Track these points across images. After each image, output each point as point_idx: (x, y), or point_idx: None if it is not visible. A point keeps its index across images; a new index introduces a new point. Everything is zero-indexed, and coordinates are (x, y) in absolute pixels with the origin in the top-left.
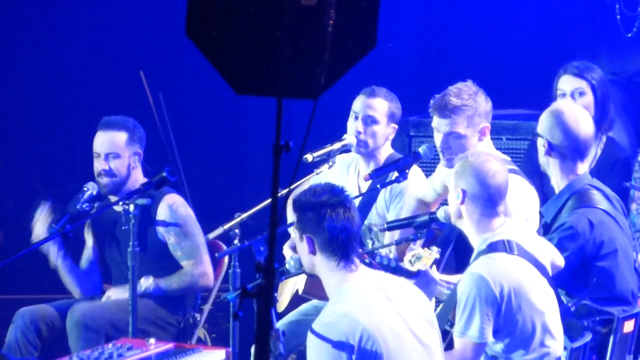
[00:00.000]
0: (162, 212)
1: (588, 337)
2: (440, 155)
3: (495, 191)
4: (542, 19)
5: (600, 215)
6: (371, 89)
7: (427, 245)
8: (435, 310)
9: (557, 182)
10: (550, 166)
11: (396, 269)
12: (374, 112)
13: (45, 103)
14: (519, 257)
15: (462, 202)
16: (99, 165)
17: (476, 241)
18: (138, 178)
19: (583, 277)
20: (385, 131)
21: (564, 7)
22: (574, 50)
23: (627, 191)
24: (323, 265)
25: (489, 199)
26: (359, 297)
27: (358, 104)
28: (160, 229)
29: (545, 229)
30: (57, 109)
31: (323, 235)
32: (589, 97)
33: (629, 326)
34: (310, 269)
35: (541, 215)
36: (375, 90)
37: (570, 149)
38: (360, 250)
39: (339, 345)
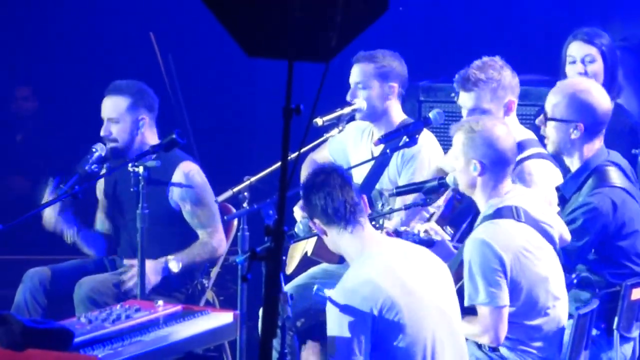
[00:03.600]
0: (178, 178)
1: (595, 304)
2: None
3: (508, 155)
4: None
5: (622, 195)
6: (356, 55)
7: (447, 214)
8: None
9: (577, 161)
10: (576, 148)
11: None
12: (359, 77)
13: (56, 66)
14: (524, 224)
15: (482, 174)
16: (103, 129)
17: (484, 207)
18: (149, 141)
19: (604, 256)
20: (380, 92)
21: None
22: (583, 14)
23: (636, 158)
24: (337, 238)
25: (503, 165)
26: (382, 262)
27: (351, 74)
28: (175, 196)
29: (562, 202)
30: (67, 72)
31: (325, 216)
32: (599, 64)
33: (636, 293)
34: (336, 250)
35: (558, 190)
36: (358, 56)
37: (600, 124)
38: (369, 211)
39: (360, 312)
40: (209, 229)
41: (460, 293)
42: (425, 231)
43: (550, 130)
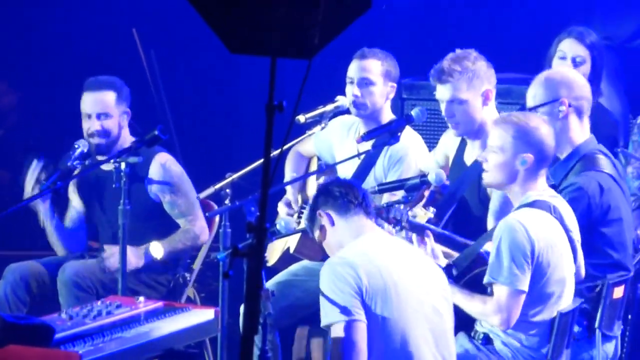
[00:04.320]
0: (154, 171)
1: (578, 302)
2: (449, 125)
3: (552, 153)
4: None
5: (609, 181)
6: (362, 51)
7: (428, 204)
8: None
9: (566, 145)
10: (569, 128)
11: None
12: (368, 73)
13: (38, 62)
14: (558, 222)
15: (530, 167)
16: (90, 125)
17: (520, 199)
18: (127, 137)
19: (586, 242)
20: (383, 90)
21: None
22: (568, 12)
23: (616, 156)
24: (343, 226)
25: (546, 161)
26: (378, 249)
27: (352, 68)
28: (153, 188)
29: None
30: (49, 68)
31: (342, 203)
32: (587, 67)
33: (618, 292)
34: (332, 242)
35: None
36: (366, 52)
37: (579, 98)
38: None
39: (354, 277)
40: (189, 216)
41: (472, 283)
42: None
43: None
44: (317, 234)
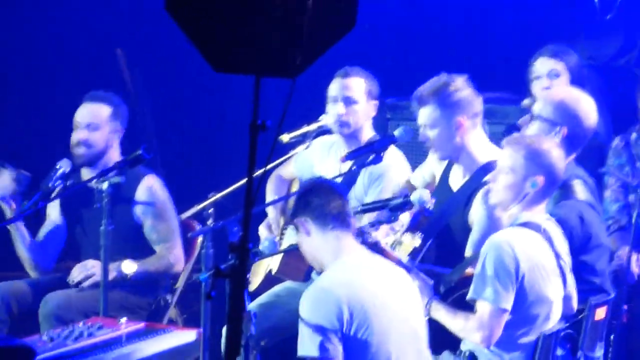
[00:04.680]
0: (140, 193)
1: (560, 324)
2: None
3: (561, 177)
4: (519, 0)
5: (587, 210)
6: (344, 70)
7: (413, 228)
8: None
9: None
10: None
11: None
12: (351, 92)
13: (21, 80)
14: (547, 244)
15: (539, 190)
16: (76, 135)
17: (514, 217)
18: (113, 156)
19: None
20: (366, 108)
21: None
22: (551, 33)
23: (601, 177)
24: (320, 240)
25: (554, 185)
26: (356, 271)
27: (334, 87)
28: (137, 210)
29: None
30: (33, 85)
31: (319, 215)
32: (564, 79)
33: (600, 313)
34: (312, 255)
35: None
36: (349, 70)
37: (580, 137)
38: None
39: (333, 308)
40: (167, 244)
41: (458, 302)
42: (391, 246)
43: (532, 130)
44: (298, 239)
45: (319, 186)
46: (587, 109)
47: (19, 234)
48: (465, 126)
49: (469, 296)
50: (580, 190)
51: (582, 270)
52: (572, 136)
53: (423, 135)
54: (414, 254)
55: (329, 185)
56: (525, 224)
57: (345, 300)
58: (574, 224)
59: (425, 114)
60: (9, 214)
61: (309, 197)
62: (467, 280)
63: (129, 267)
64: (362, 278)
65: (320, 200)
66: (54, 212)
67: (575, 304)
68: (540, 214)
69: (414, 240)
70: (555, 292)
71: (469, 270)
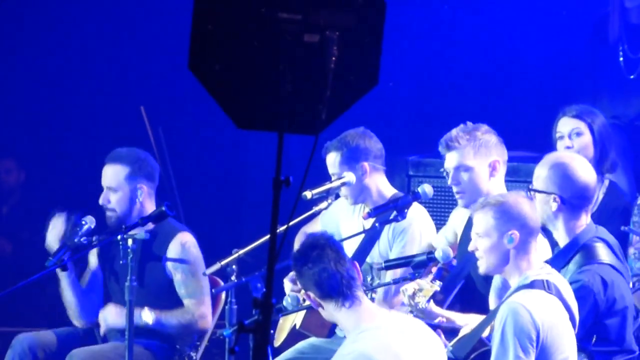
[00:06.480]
0: (173, 249)
1: None
2: (456, 195)
3: (538, 222)
4: (543, 60)
5: (611, 273)
6: (325, 146)
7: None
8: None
9: (564, 235)
10: (559, 220)
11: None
12: (332, 168)
13: (44, 138)
14: (555, 298)
15: (518, 244)
16: (101, 197)
17: (517, 280)
18: (145, 211)
19: (593, 333)
20: (356, 174)
21: (566, 49)
22: (575, 92)
23: (626, 235)
24: (333, 312)
25: (535, 232)
26: (377, 337)
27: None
28: (169, 265)
29: None
30: (56, 145)
31: (320, 291)
32: (587, 137)
33: None
34: (331, 320)
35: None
36: (327, 146)
37: (581, 199)
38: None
39: None
40: (194, 299)
41: None
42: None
43: (537, 202)
44: (319, 310)
45: (307, 259)
46: (579, 169)
47: (70, 280)
48: (499, 168)
49: None
50: (603, 252)
51: (605, 333)
52: (569, 200)
53: (455, 178)
54: (435, 299)
55: (318, 252)
56: (532, 284)
57: None
58: (597, 289)
59: (456, 156)
60: (63, 276)
61: (304, 272)
62: (481, 345)
63: (147, 316)
64: (383, 345)
65: (315, 276)
66: (93, 258)
67: (577, 312)
68: (543, 269)
69: (434, 286)
70: (571, 346)
71: (487, 330)
